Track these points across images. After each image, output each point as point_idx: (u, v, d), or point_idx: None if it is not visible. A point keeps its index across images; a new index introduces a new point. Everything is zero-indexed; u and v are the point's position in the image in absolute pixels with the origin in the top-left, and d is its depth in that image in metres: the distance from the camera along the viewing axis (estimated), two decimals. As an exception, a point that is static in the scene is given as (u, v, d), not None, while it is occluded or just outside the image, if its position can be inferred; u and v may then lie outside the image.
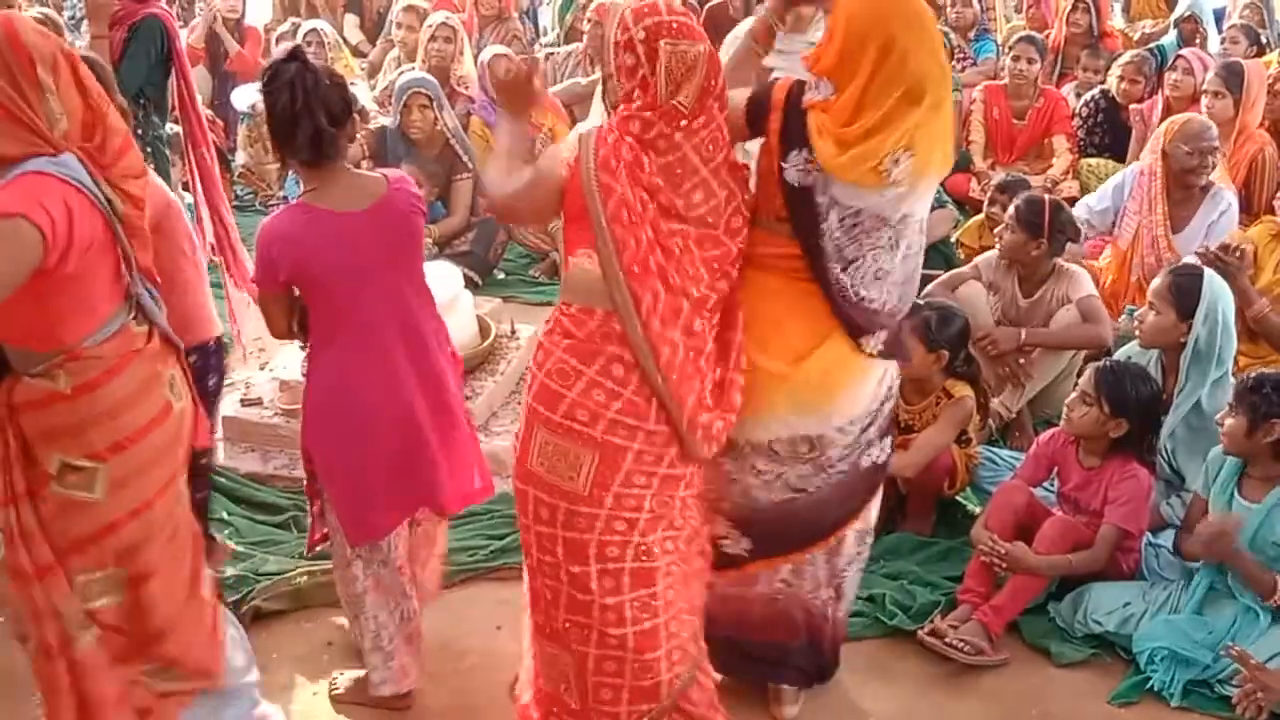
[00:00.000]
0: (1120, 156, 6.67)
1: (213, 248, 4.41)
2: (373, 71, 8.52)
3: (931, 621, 3.54)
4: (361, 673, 3.29)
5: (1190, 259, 4.43)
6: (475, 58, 7.18)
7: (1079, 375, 4.17)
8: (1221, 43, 7.88)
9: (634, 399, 2.68)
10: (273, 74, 2.89)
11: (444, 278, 4.45)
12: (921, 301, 4.03)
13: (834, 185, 2.75)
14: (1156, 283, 4.08)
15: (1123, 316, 4.91)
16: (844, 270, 2.83)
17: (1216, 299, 3.95)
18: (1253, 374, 3.58)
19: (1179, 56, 6.64)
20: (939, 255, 5.56)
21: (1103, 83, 7.25)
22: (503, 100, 2.97)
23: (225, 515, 4.11)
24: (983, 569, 3.63)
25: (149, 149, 4.95)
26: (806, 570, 3.11)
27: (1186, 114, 5.50)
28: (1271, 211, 5.29)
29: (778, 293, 2.90)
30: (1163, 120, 5.73)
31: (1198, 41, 7.87)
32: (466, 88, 6.96)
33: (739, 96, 2.90)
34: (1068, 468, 3.83)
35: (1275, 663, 3.29)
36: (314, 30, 7.90)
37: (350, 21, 9.55)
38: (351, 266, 2.92)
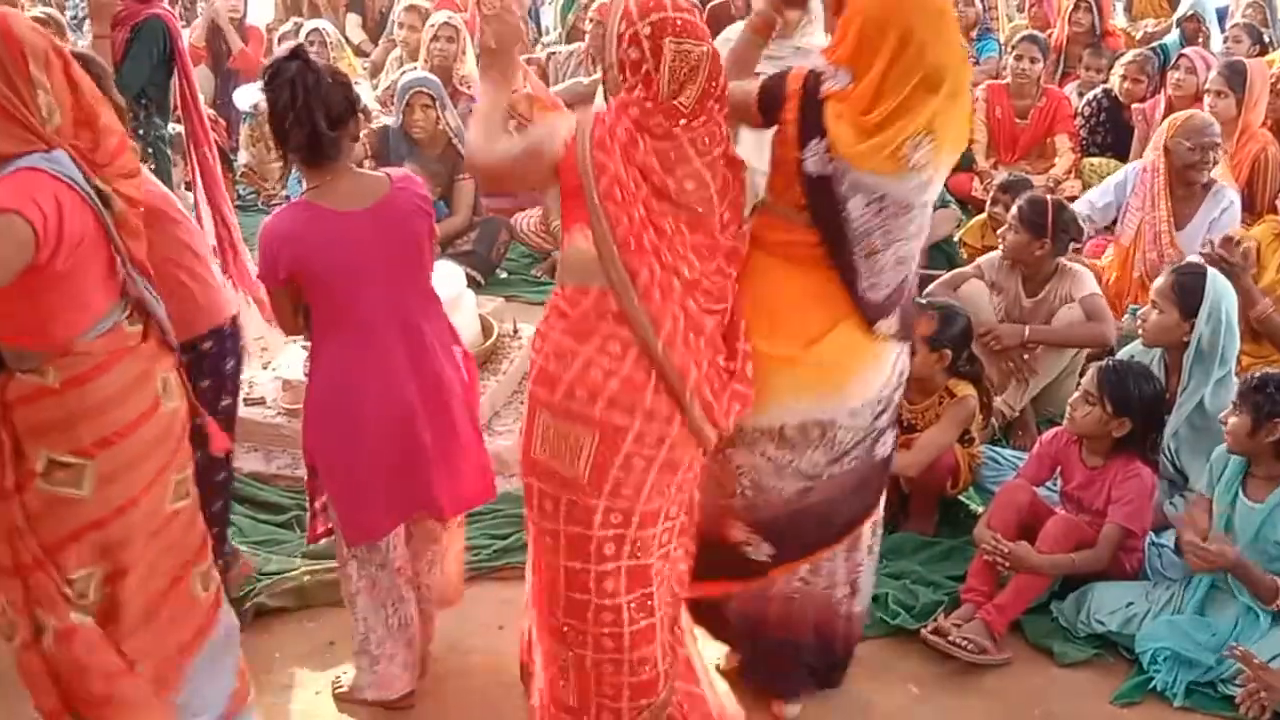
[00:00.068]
0: (1123, 156, 6.66)
1: (214, 248, 4.41)
2: (375, 71, 8.52)
3: (934, 620, 3.54)
4: (401, 691, 3.28)
5: (1194, 258, 4.43)
6: (477, 57, 7.17)
7: (1082, 374, 4.17)
8: (1224, 42, 7.87)
9: (632, 375, 2.68)
10: (274, 72, 2.89)
11: (447, 277, 4.44)
12: (924, 301, 4.04)
13: (854, 173, 2.76)
14: (1159, 282, 4.08)
15: (1126, 316, 4.91)
16: (867, 258, 2.84)
17: (1220, 298, 3.95)
18: (1257, 373, 3.58)
19: (1181, 55, 6.63)
20: (942, 255, 5.56)
21: (1105, 82, 7.25)
22: (485, 60, 2.97)
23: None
24: (985, 568, 3.63)
25: (151, 149, 4.96)
26: (824, 567, 3.11)
27: (1189, 110, 5.50)
28: (1274, 211, 5.29)
29: (790, 278, 2.92)
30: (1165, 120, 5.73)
31: (1200, 40, 7.87)
32: (469, 87, 6.96)
33: (748, 87, 2.92)
34: (1071, 467, 3.82)
35: (1277, 663, 3.29)
36: (316, 30, 7.91)
37: (352, 21, 9.56)
38: (351, 265, 2.92)
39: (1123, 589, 3.62)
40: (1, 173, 2.37)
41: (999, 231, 4.88)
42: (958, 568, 3.82)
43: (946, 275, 4.80)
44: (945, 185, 4.51)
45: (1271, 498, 3.42)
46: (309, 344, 3.13)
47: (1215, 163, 5.16)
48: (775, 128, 2.90)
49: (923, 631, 3.52)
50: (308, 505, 3.21)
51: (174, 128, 5.21)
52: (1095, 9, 7.87)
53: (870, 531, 3.15)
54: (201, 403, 3.31)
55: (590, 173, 2.66)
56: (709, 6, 7.63)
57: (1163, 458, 3.95)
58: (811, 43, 3.89)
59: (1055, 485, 3.95)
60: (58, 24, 5.99)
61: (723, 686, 3.17)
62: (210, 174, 4.70)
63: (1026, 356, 4.57)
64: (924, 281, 4.29)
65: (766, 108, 2.88)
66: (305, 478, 3.23)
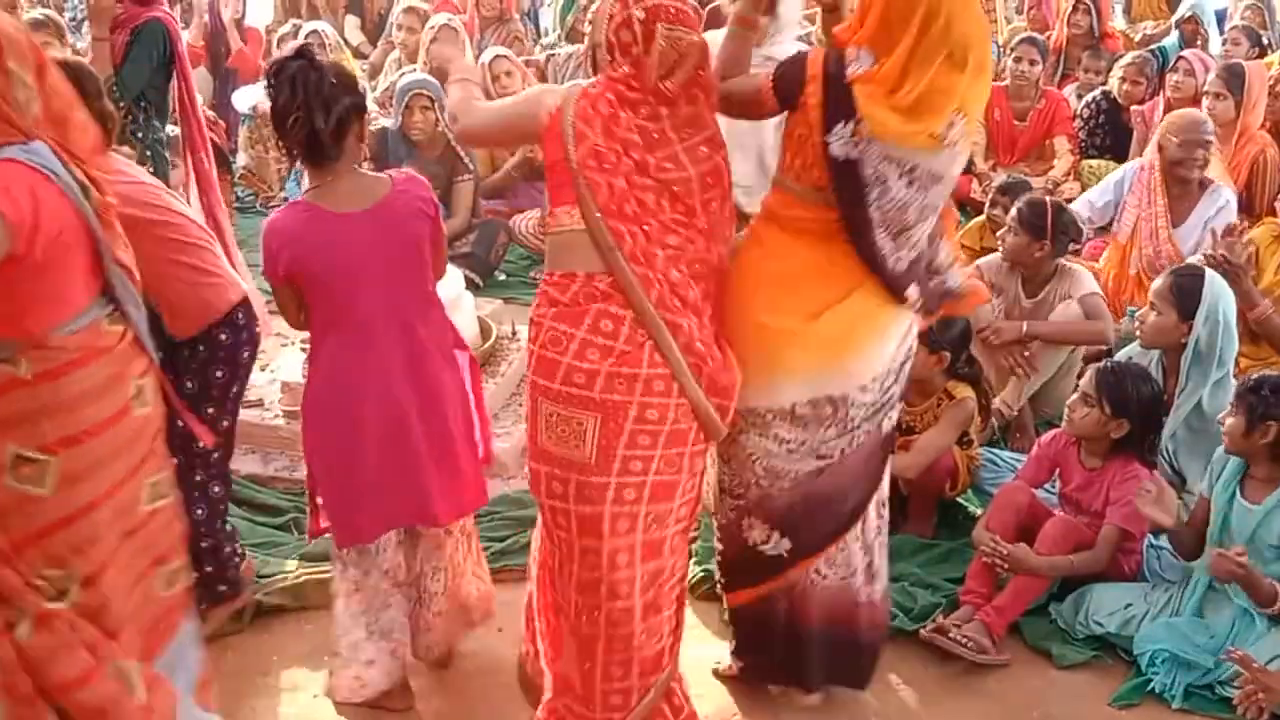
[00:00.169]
0: (1122, 158, 6.67)
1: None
2: (374, 73, 8.52)
3: (934, 620, 3.54)
4: (376, 693, 3.27)
5: (1193, 260, 4.43)
6: (477, 59, 7.18)
7: (1080, 376, 4.17)
8: (1223, 44, 7.88)
9: (626, 348, 2.72)
10: (277, 70, 2.91)
11: (445, 279, 4.43)
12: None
13: (885, 148, 2.78)
14: (1158, 283, 4.08)
15: (1125, 319, 4.91)
16: (897, 236, 2.88)
17: (1217, 300, 3.95)
18: (1253, 375, 3.58)
19: (1180, 58, 6.65)
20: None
21: (1104, 84, 7.26)
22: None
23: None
24: (984, 570, 3.63)
25: (149, 152, 4.95)
26: (839, 557, 3.12)
27: (1185, 109, 5.53)
28: (1273, 213, 5.29)
29: (797, 252, 2.95)
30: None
31: (1199, 43, 7.88)
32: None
33: (754, 78, 2.95)
34: (1069, 469, 3.83)
35: (1275, 664, 3.29)
36: (315, 32, 7.90)
37: (351, 23, 9.56)
38: (348, 266, 2.93)
39: (1121, 591, 3.62)
40: None
41: (998, 234, 4.88)
42: (956, 570, 3.82)
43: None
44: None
45: (1268, 500, 3.41)
46: (306, 346, 3.14)
47: (1205, 161, 5.18)
48: (783, 114, 2.94)
49: (922, 631, 3.51)
50: (308, 502, 3.20)
51: (172, 130, 5.21)
52: (1094, 11, 7.88)
53: (875, 512, 3.15)
54: (214, 391, 3.35)
55: (571, 140, 2.71)
56: (708, 9, 7.64)
57: (1161, 459, 3.95)
58: (782, 51, 3.90)
59: (1054, 487, 3.95)
60: (57, 26, 5.96)
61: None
62: (205, 179, 4.70)
63: (1027, 354, 4.58)
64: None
65: (784, 94, 2.89)
66: (303, 479, 3.23)
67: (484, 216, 6.47)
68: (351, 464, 3.01)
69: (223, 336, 3.33)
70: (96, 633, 2.60)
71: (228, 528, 3.56)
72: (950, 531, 4.12)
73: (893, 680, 3.45)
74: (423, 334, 3.05)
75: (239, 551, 3.61)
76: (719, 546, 3.22)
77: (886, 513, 3.23)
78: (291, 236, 2.92)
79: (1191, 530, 3.56)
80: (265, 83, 2.95)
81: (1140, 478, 3.65)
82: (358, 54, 9.05)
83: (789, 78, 2.89)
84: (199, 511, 3.40)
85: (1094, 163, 6.81)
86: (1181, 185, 5.19)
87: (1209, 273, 4.06)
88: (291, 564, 3.83)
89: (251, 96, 7.69)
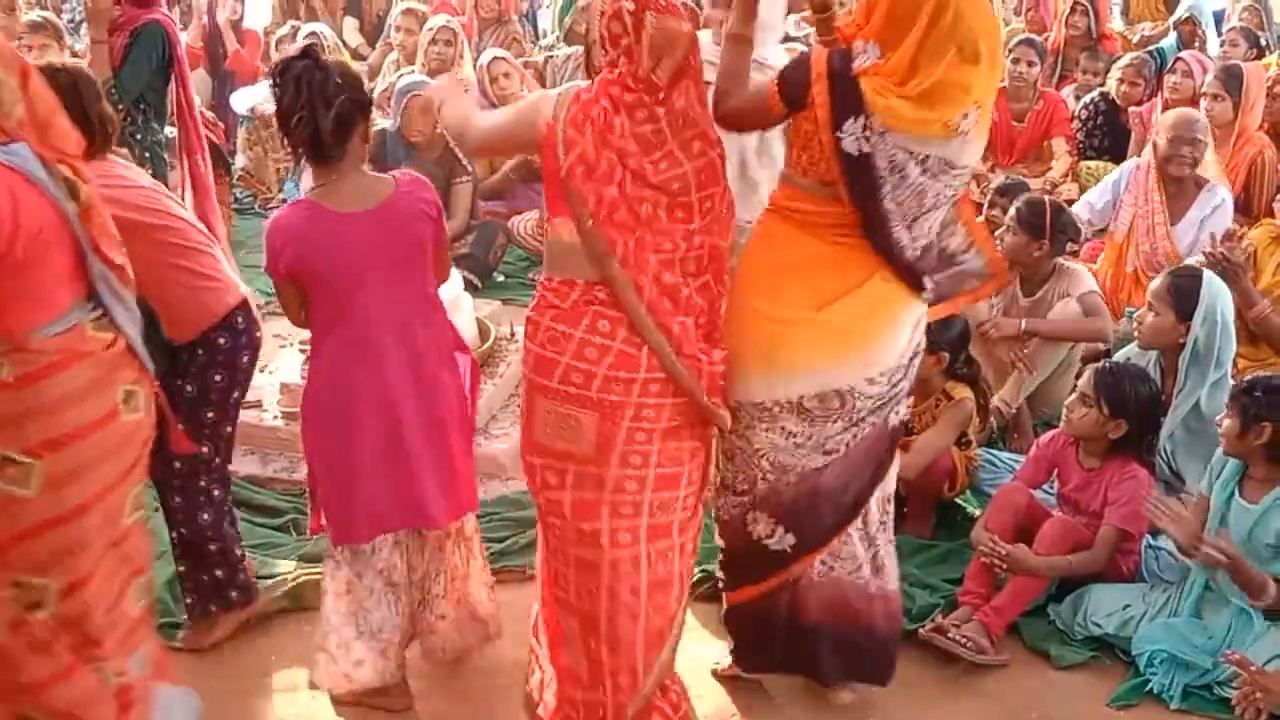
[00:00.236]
0: (1120, 159, 6.66)
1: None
2: (372, 74, 8.50)
3: (932, 621, 3.54)
4: (365, 689, 3.27)
5: (1191, 261, 4.43)
6: (474, 61, 7.18)
7: (1078, 376, 4.18)
8: (1221, 45, 7.89)
9: (624, 349, 2.76)
10: (283, 69, 2.92)
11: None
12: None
13: (902, 139, 2.79)
14: (1155, 284, 4.09)
15: (1123, 319, 4.92)
16: (909, 227, 2.89)
17: (1215, 300, 3.96)
18: (1246, 377, 3.60)
19: (1178, 59, 6.66)
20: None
21: (1102, 85, 7.26)
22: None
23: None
24: (983, 570, 3.63)
25: (148, 154, 4.96)
26: (844, 550, 3.12)
27: (1180, 108, 5.55)
28: (1271, 214, 5.30)
29: (804, 244, 2.96)
30: (1162, 120, 5.76)
31: (1197, 44, 7.89)
32: (466, 90, 6.95)
33: (757, 84, 2.96)
34: (1067, 469, 3.83)
35: (1273, 665, 3.29)
36: (313, 33, 7.88)
37: (349, 24, 9.55)
38: (349, 266, 2.93)
39: (1120, 591, 3.62)
40: None
41: (996, 234, 4.89)
42: (955, 570, 3.82)
43: (943, 277, 4.80)
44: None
45: (1265, 500, 3.42)
46: (305, 347, 3.14)
47: (1193, 159, 5.19)
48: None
49: (921, 631, 3.51)
50: (309, 500, 3.20)
51: (170, 132, 5.21)
52: (1092, 12, 7.88)
53: (878, 506, 3.14)
54: (213, 396, 3.34)
55: (561, 149, 2.75)
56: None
57: (1159, 459, 3.95)
58: (771, 54, 3.90)
59: (1052, 488, 3.95)
60: (55, 28, 5.98)
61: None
62: (200, 182, 4.70)
63: (1027, 350, 4.58)
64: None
65: (791, 96, 2.90)
66: (301, 480, 3.24)
67: (482, 218, 6.47)
68: (349, 463, 3.01)
69: (221, 341, 3.33)
70: (78, 638, 2.59)
71: (233, 530, 3.55)
72: (949, 532, 4.12)
73: (890, 681, 3.45)
74: (423, 335, 3.05)
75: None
76: (721, 544, 3.22)
77: (892, 509, 3.23)
78: (295, 234, 2.93)
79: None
80: (271, 82, 2.96)
81: (1139, 478, 3.66)
82: (356, 56, 9.04)
83: (794, 80, 2.90)
84: (204, 516, 3.40)
85: (1092, 164, 6.81)
86: (1176, 183, 5.20)
87: (1207, 273, 4.07)
88: (290, 565, 3.83)
89: (250, 98, 7.69)
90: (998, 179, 6.04)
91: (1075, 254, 5.32)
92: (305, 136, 2.89)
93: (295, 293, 3.02)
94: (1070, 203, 5.59)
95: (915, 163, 2.82)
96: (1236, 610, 3.44)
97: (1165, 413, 3.95)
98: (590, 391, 2.75)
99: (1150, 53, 7.54)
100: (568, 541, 2.86)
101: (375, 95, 7.56)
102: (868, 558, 3.15)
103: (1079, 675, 3.50)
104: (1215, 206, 5.16)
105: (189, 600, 3.52)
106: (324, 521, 3.14)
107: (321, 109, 2.86)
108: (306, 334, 3.21)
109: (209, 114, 7.06)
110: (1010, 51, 7.22)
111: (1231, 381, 3.88)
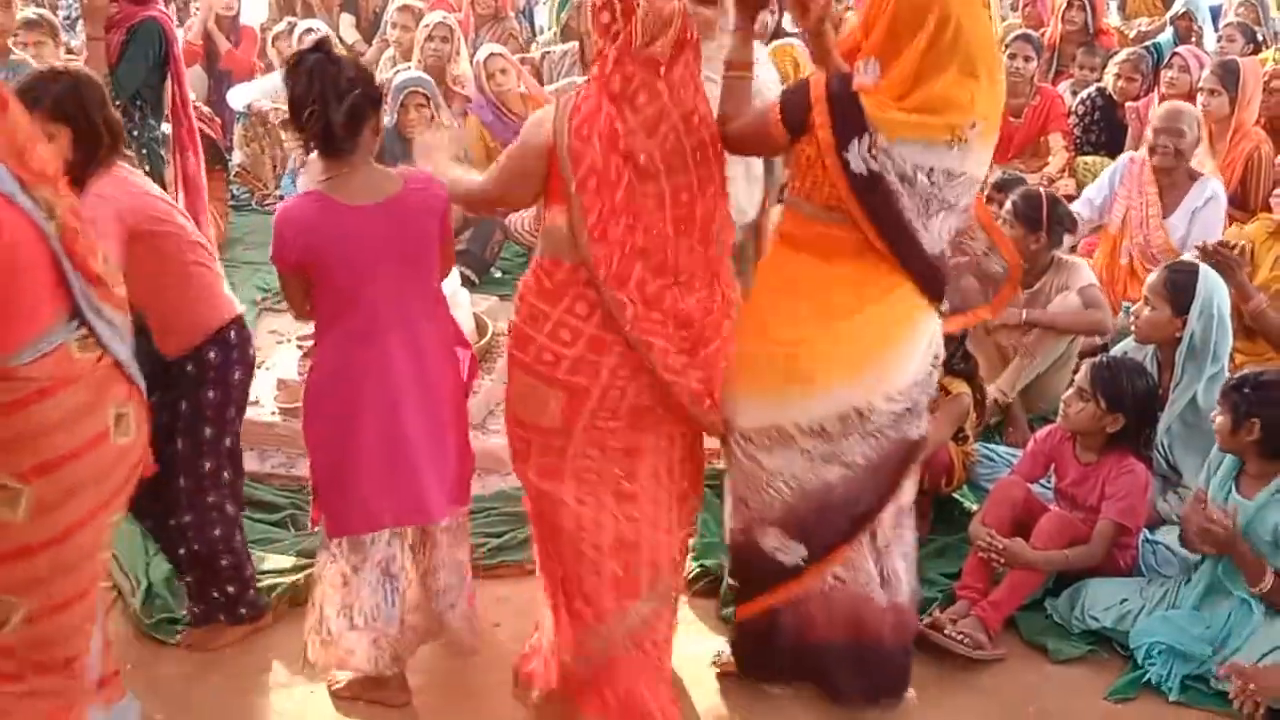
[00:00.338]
0: (1117, 154, 6.65)
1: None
2: (369, 71, 8.51)
3: (930, 616, 3.54)
4: (358, 672, 3.28)
5: (1187, 256, 4.44)
6: (471, 57, 7.17)
7: (1075, 370, 4.18)
8: (1217, 40, 7.89)
9: (597, 333, 2.86)
10: (295, 62, 2.93)
11: (441, 276, 4.45)
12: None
13: (905, 149, 2.79)
14: (1152, 278, 4.09)
15: (1120, 315, 4.92)
16: (925, 224, 2.90)
17: (1212, 295, 3.96)
18: (1237, 374, 3.61)
19: (1175, 54, 6.67)
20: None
21: (1099, 80, 7.26)
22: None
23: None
24: (980, 565, 3.63)
25: (145, 150, 4.96)
26: (854, 561, 3.10)
27: (1171, 101, 5.59)
28: (1267, 209, 5.31)
29: (817, 267, 2.97)
30: (1158, 116, 5.77)
31: (1193, 39, 7.90)
32: (463, 87, 6.95)
33: (758, 110, 2.97)
34: (1065, 463, 3.83)
35: (1272, 657, 3.29)
36: (310, 29, 7.89)
37: (346, 21, 9.54)
38: (355, 260, 2.94)
39: (1117, 585, 3.63)
40: None
41: (994, 230, 4.89)
42: (952, 565, 3.83)
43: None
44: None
45: (1260, 495, 3.42)
46: (302, 344, 3.14)
47: (1178, 151, 5.21)
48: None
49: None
50: (311, 492, 3.19)
51: (167, 128, 5.21)
52: (1089, 7, 7.88)
53: (891, 518, 3.11)
54: (208, 413, 3.33)
55: (568, 162, 2.81)
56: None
57: (1156, 454, 3.96)
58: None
59: (1049, 482, 3.95)
60: (50, 24, 5.98)
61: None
62: (191, 180, 4.70)
63: (1026, 339, 4.59)
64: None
65: (792, 121, 2.90)
66: (299, 475, 3.24)
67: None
68: (351, 455, 3.01)
69: (211, 355, 3.29)
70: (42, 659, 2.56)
71: (244, 546, 3.53)
72: (946, 527, 4.12)
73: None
74: (426, 330, 3.06)
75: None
76: (731, 555, 3.22)
77: (910, 521, 3.20)
78: (306, 225, 2.94)
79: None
80: (283, 75, 2.98)
81: (1136, 472, 3.66)
82: (352, 52, 9.04)
83: (794, 105, 2.90)
84: (215, 531, 3.39)
85: (1089, 159, 6.82)
86: (1168, 176, 5.24)
87: (1203, 268, 4.07)
88: (288, 561, 3.82)
89: (246, 94, 7.68)
90: (995, 174, 6.02)
91: (1072, 249, 5.32)
92: (317, 129, 2.89)
93: (300, 284, 3.02)
94: (1070, 198, 5.60)
95: (922, 173, 2.82)
96: (1238, 601, 3.44)
97: (1162, 407, 3.96)
98: (559, 373, 2.87)
99: (1147, 48, 7.55)
100: (540, 508, 3.02)
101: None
102: (876, 570, 3.13)
103: (1076, 669, 3.50)
104: (1207, 199, 5.20)
105: (196, 609, 3.51)
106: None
107: (334, 102, 2.86)
108: (304, 330, 3.22)
109: (206, 109, 7.06)
110: (1007, 47, 7.21)
111: (1228, 376, 3.88)
